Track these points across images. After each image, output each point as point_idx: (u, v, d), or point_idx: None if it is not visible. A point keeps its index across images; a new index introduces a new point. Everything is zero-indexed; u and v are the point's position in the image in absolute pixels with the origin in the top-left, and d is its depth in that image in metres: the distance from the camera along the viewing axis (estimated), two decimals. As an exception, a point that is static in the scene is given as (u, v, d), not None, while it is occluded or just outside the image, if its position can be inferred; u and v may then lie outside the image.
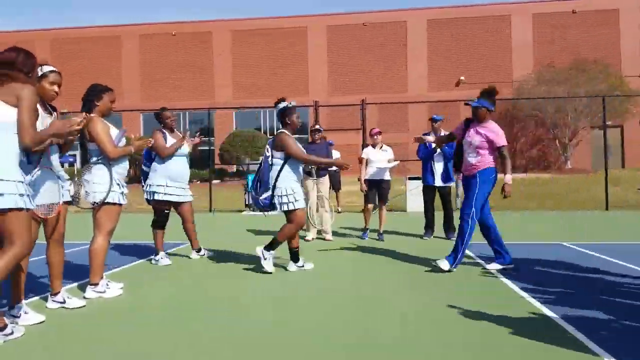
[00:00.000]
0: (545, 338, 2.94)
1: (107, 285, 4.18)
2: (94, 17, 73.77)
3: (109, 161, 4.05)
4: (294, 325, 3.30)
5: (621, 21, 29.84)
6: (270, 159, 4.94)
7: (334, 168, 12.63)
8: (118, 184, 4.10)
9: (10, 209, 2.89)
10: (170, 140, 5.60)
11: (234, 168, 27.42)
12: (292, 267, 5.15)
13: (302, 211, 4.96)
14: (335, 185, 12.87)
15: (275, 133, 5.17)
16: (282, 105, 5.10)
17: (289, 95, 30.18)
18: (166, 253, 5.78)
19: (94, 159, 4.09)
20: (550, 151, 29.02)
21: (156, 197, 5.55)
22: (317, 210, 7.66)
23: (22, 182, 2.97)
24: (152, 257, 5.66)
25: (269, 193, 4.91)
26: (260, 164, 5.10)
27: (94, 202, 4.01)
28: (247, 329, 3.19)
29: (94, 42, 33.04)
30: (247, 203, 13.03)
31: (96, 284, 4.11)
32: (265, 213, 5.20)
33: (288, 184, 4.90)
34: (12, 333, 3.00)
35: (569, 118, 26.28)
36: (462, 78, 30.20)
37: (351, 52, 31.65)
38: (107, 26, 33.72)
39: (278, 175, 4.90)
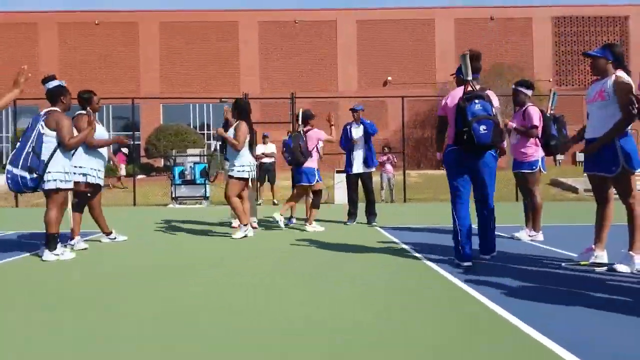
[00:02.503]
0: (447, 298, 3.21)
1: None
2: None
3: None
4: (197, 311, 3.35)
5: (534, 29, 32.16)
6: (46, 137, 4.77)
7: (270, 160, 12.75)
8: None
9: None
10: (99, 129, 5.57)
11: (160, 162, 26.63)
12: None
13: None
14: (270, 178, 12.96)
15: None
16: (54, 83, 4.99)
17: (220, 89, 29.80)
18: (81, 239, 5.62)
19: None
20: (470, 149, 30.65)
21: (89, 179, 5.54)
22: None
23: None
24: (68, 242, 5.46)
25: (39, 171, 4.69)
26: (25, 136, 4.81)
27: None
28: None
29: None
30: (173, 196, 12.76)
31: None
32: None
33: (61, 163, 4.81)
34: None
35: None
36: (389, 78, 31.21)
37: (283, 49, 31.74)
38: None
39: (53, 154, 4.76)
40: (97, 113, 5.91)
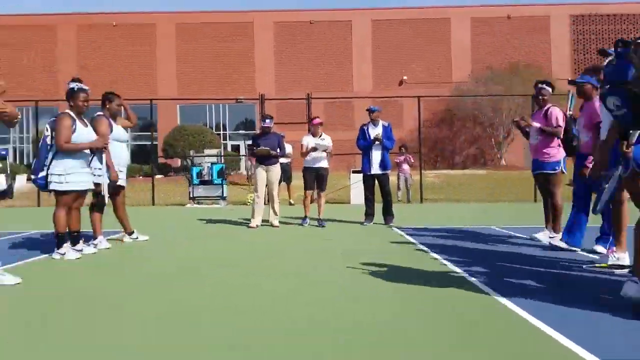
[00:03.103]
0: (455, 291, 3.22)
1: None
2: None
3: None
4: (217, 310, 3.40)
5: (552, 27, 31.78)
6: (49, 138, 4.91)
7: (286, 160, 12.81)
8: None
9: None
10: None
11: (178, 162, 26.90)
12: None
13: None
14: (287, 178, 12.98)
15: None
16: (69, 85, 5.11)
17: (235, 89, 29.97)
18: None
19: None
20: (487, 149, 30.43)
21: (105, 180, 5.54)
22: (267, 201, 7.80)
23: None
24: (91, 241, 5.58)
25: (44, 173, 4.87)
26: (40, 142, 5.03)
27: None
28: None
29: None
30: (191, 196, 12.89)
31: None
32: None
33: (62, 165, 4.87)
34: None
35: (504, 117, 27.71)
36: (404, 78, 31.10)
37: (298, 50, 31.83)
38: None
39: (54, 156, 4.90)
40: (117, 114, 5.98)
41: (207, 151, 15.31)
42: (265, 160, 7.66)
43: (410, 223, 7.93)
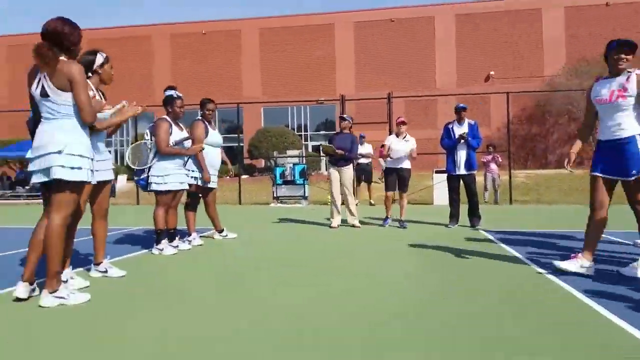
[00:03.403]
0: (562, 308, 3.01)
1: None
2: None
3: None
4: (305, 306, 3.45)
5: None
6: (149, 142, 5.30)
7: (367, 160, 12.79)
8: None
9: (83, 182, 3.21)
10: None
11: (262, 163, 27.81)
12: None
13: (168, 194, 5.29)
14: (367, 178, 12.97)
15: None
16: (166, 93, 5.45)
17: (316, 91, 30.41)
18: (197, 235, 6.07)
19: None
20: (583, 147, 28.28)
21: (199, 182, 5.92)
22: (342, 202, 7.83)
23: (93, 159, 3.31)
24: (186, 238, 5.92)
25: (145, 174, 5.25)
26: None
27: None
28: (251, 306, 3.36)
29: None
30: (274, 196, 13.26)
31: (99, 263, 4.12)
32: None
33: (162, 167, 5.24)
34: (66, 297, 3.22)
35: (602, 112, 25.64)
36: (491, 73, 29.81)
37: (379, 49, 31.63)
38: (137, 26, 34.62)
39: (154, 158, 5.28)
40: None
41: (289, 152, 15.67)
42: (337, 161, 7.68)
43: (498, 226, 7.58)
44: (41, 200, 3.56)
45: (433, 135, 25.33)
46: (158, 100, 5.53)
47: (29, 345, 2.50)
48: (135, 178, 5.33)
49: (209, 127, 6.05)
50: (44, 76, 3.07)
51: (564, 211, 10.40)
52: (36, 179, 3.17)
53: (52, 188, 3.18)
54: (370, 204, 12.71)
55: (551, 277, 3.93)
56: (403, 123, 7.82)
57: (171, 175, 5.24)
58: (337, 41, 32.22)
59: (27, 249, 3.33)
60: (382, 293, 3.50)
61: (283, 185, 13.23)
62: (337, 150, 7.54)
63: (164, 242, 5.30)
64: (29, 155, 3.19)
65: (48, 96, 3.08)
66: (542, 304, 3.14)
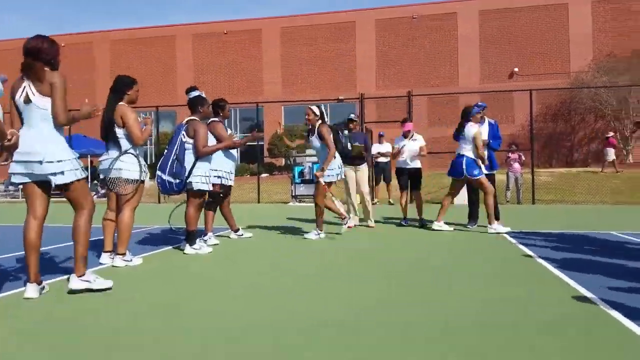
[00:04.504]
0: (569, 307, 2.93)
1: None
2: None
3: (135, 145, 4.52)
4: (321, 297, 3.43)
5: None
6: (185, 144, 5.20)
7: (385, 160, 12.70)
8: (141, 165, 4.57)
9: (72, 182, 3.42)
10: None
11: (282, 162, 27.88)
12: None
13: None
14: (386, 177, 12.90)
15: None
16: (195, 93, 5.40)
17: (337, 90, 30.17)
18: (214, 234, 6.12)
19: (129, 146, 4.50)
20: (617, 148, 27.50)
21: (223, 181, 5.97)
22: (360, 201, 7.81)
23: (76, 157, 3.47)
24: (202, 237, 5.97)
25: (182, 177, 5.13)
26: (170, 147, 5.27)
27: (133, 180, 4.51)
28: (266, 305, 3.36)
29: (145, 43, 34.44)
30: (293, 194, 13.28)
31: (123, 254, 4.62)
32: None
33: (205, 166, 5.31)
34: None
35: (630, 110, 24.92)
36: (515, 69, 29.26)
37: (400, 46, 31.35)
38: (161, 26, 35.08)
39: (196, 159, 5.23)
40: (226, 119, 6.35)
41: (308, 151, 15.69)
42: (352, 160, 7.65)
43: (518, 226, 7.43)
44: (57, 199, 3.82)
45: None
46: (180, 100, 5.61)
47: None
48: (171, 180, 5.15)
49: (225, 126, 6.09)
50: (29, 84, 3.36)
51: (586, 211, 10.15)
52: (16, 180, 3.42)
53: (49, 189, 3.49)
54: (390, 204, 12.62)
55: (559, 273, 3.82)
56: (407, 129, 7.86)
57: (207, 177, 5.30)
58: (358, 39, 32.06)
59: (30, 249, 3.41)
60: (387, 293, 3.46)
61: (301, 184, 13.25)
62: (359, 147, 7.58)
63: (199, 241, 5.45)
64: (16, 157, 3.37)
65: (30, 102, 3.34)
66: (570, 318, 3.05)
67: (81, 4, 77.59)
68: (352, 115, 8.00)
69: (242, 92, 32.36)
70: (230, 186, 6.21)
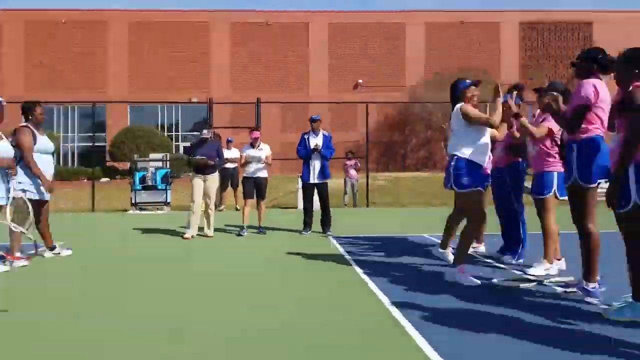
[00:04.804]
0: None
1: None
2: None
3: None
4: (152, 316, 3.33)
5: (501, 33, 32.78)
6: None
7: (233, 165, 12.64)
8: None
9: None
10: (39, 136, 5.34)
11: (126, 166, 26.19)
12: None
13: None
14: (233, 183, 12.85)
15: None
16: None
17: (189, 90, 29.34)
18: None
19: None
20: (437, 151, 31.04)
21: (28, 195, 5.27)
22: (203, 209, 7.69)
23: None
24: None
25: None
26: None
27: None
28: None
29: None
30: (132, 202, 12.55)
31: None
32: None
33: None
34: None
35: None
36: (360, 81, 31.39)
37: (254, 51, 31.55)
38: None
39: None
40: (41, 124, 5.72)
41: (151, 155, 14.98)
42: (203, 169, 7.56)
43: (347, 231, 7.99)
44: None
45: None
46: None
47: None
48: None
49: (37, 132, 5.51)
50: None
51: (410, 214, 11.30)
52: None
53: None
54: (237, 209, 12.61)
55: (365, 277, 4.23)
56: (255, 137, 7.98)
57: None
58: (212, 41, 31.50)
59: None
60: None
61: (143, 191, 12.58)
62: (208, 162, 7.44)
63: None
64: None
65: None
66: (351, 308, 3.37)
67: None
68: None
69: (83, 87, 29.54)
70: (46, 200, 5.63)
